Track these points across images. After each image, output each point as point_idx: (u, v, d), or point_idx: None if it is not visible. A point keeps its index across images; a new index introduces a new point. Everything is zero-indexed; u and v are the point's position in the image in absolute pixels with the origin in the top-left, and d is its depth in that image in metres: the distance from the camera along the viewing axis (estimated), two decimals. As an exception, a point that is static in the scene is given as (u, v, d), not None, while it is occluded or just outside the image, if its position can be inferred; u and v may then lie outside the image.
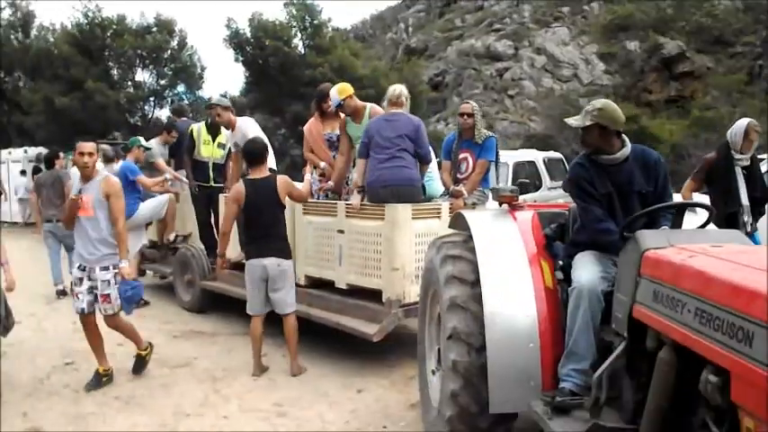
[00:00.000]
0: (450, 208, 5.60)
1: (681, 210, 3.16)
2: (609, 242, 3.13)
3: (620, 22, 28.63)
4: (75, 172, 9.48)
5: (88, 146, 4.99)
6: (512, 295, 3.32)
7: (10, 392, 4.96)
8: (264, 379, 5.31)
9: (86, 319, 5.09)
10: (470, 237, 3.64)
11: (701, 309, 2.10)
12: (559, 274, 3.41)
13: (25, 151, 18.70)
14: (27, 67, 24.04)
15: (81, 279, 5.02)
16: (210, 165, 7.61)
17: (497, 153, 6.50)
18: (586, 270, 3.13)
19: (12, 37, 25.41)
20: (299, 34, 20.61)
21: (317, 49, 19.93)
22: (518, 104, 27.58)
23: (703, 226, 3.19)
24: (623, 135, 3.39)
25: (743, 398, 1.87)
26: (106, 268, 5.00)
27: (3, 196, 13.18)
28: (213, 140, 7.64)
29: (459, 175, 6.38)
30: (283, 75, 19.53)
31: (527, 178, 8.72)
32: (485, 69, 29.67)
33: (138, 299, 5.37)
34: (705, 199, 5.97)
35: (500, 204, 4.01)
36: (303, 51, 20.42)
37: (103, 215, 4.98)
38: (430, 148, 5.87)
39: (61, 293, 8.61)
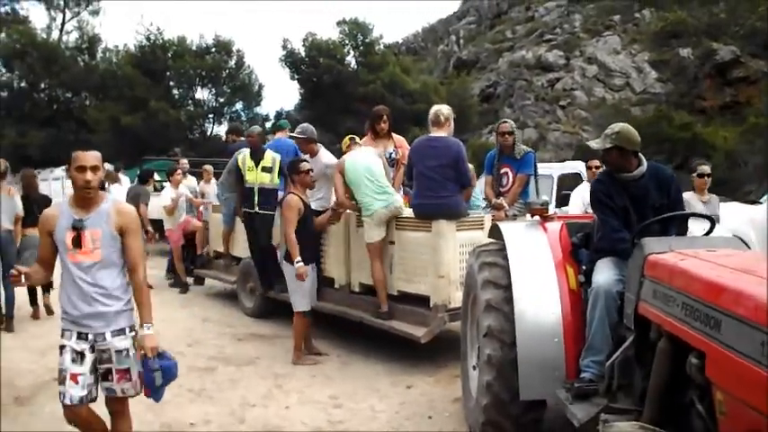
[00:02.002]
0: (492, 219, 6.01)
1: (684, 220, 3.57)
2: (623, 249, 3.53)
3: (671, 28, 28.46)
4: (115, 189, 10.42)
5: (91, 156, 3.36)
6: (539, 296, 3.76)
7: (96, 386, 5.56)
8: (321, 375, 5.82)
9: (81, 410, 3.50)
10: (505, 246, 4.08)
11: (686, 303, 2.50)
12: (582, 278, 3.82)
13: (65, 169, 19.56)
14: (93, 88, 25.32)
15: (81, 353, 3.42)
16: (256, 190, 7.54)
17: (536, 167, 6.91)
18: (604, 273, 3.54)
19: (78, 59, 26.84)
20: (352, 52, 21.34)
21: (369, 66, 20.60)
22: (570, 115, 27.66)
23: (708, 233, 3.57)
24: (640, 154, 3.80)
25: (714, 374, 2.26)
26: (121, 331, 3.49)
27: None
28: (257, 166, 7.59)
29: (500, 189, 6.82)
30: (336, 91, 20.23)
31: (571, 189, 9.03)
32: (536, 80, 29.86)
33: (171, 379, 3.72)
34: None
35: (532, 216, 4.46)
36: (355, 68, 21.08)
37: (116, 256, 3.47)
38: (470, 167, 6.28)
39: None
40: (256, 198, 7.53)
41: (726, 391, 2.19)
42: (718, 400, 2.26)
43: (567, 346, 3.65)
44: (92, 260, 3.38)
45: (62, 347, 3.45)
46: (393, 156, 6.90)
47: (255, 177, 7.56)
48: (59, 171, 19.53)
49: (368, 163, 6.19)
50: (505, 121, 6.99)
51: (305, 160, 6.64)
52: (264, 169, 7.58)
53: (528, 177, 6.78)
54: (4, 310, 7.51)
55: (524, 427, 3.82)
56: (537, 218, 4.41)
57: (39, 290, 8.14)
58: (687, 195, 5.99)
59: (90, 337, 3.43)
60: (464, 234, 5.81)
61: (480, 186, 7.18)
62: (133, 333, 3.55)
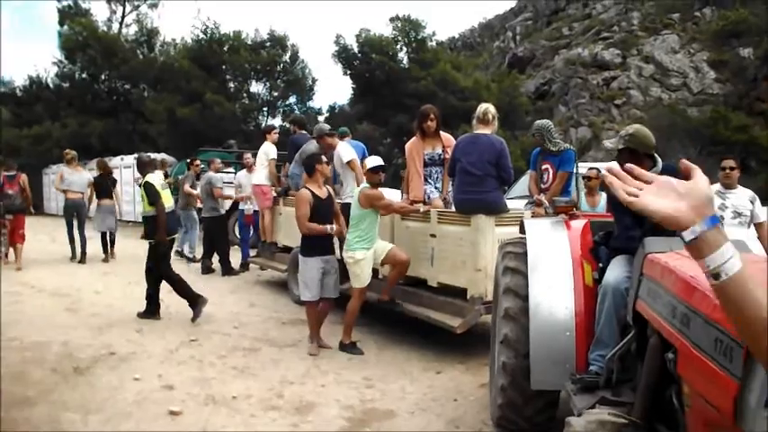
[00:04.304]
0: (532, 215, 6.22)
1: None
2: (635, 248, 3.74)
3: (732, 27, 27.78)
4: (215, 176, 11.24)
5: None
6: (555, 291, 3.99)
7: (147, 359, 6.06)
8: (357, 359, 6.19)
9: None
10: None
11: (669, 301, 2.69)
12: (596, 275, 4.04)
13: (136, 157, 20.39)
14: (151, 80, 26.06)
15: None
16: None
17: (576, 165, 7.10)
18: (615, 271, 3.76)
19: (137, 52, 27.72)
20: (404, 49, 21.60)
21: (421, 62, 20.78)
22: (625, 114, 27.29)
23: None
24: (656, 155, 3.98)
25: (682, 369, 2.45)
26: None
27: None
28: None
29: (542, 185, 7.05)
30: (388, 87, 20.50)
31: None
32: (591, 78, 29.55)
33: None
34: None
35: (557, 214, 4.69)
36: (407, 65, 21.33)
37: None
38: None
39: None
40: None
41: (690, 386, 2.39)
42: (685, 393, 2.46)
43: (578, 340, 3.85)
44: None
45: None
46: (441, 156, 7.02)
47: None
48: (130, 159, 20.40)
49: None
50: (534, 123, 7.32)
51: (323, 154, 7.11)
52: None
53: (568, 175, 6.96)
54: (78, 251, 12.07)
55: (539, 411, 4.08)
56: (562, 215, 4.64)
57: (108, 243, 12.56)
58: (713, 187, 6.04)
59: None
60: (503, 229, 5.98)
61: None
62: None
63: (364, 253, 6.31)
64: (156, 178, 7.78)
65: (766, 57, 24.71)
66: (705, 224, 1.23)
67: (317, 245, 6.40)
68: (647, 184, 1.33)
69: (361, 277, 6.34)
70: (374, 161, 6.49)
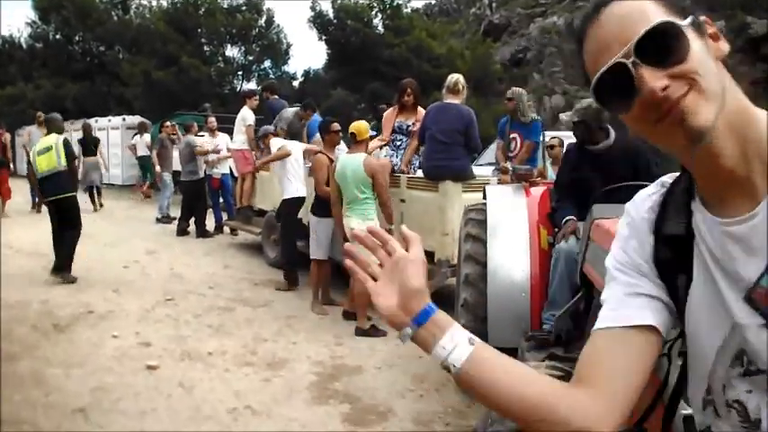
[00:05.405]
0: (498, 182, 6.42)
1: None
2: (552, 217, 4.07)
3: (706, 0, 28.02)
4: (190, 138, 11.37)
5: None
6: (511, 254, 4.27)
7: (125, 318, 6.28)
8: (329, 320, 6.44)
9: None
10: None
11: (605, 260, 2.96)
12: (551, 239, 4.31)
13: (123, 119, 20.49)
14: (126, 42, 25.64)
15: None
16: None
17: (543, 135, 7.36)
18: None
19: (113, 13, 27.28)
20: (379, 15, 21.57)
21: (396, 29, 20.78)
22: (599, 83, 27.52)
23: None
24: (609, 127, 4.22)
25: None
26: None
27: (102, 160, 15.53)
28: None
29: (509, 154, 7.30)
30: (363, 54, 20.50)
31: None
32: (566, 47, 29.69)
33: None
34: None
35: (517, 181, 4.94)
36: (382, 32, 21.34)
37: None
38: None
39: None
40: None
41: None
42: None
43: (533, 301, 4.15)
44: None
45: None
46: (409, 127, 7.14)
47: None
48: (103, 121, 20.73)
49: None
50: (514, 88, 7.44)
51: (336, 121, 7.08)
52: None
53: (535, 144, 7.22)
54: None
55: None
56: (523, 183, 4.89)
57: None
58: None
59: None
60: (470, 195, 6.15)
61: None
62: None
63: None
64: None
65: (739, 29, 24.99)
66: (415, 323, 1.06)
67: (329, 206, 6.47)
68: (387, 264, 1.12)
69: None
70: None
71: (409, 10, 22.55)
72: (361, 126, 6.22)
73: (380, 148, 7.47)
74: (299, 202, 7.54)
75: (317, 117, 9.31)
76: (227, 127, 11.75)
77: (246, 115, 10.23)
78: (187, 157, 11.16)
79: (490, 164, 8.51)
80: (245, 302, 6.96)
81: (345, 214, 6.04)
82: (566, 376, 3.17)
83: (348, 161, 6.00)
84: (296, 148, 7.72)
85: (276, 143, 7.88)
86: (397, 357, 5.37)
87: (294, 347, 5.56)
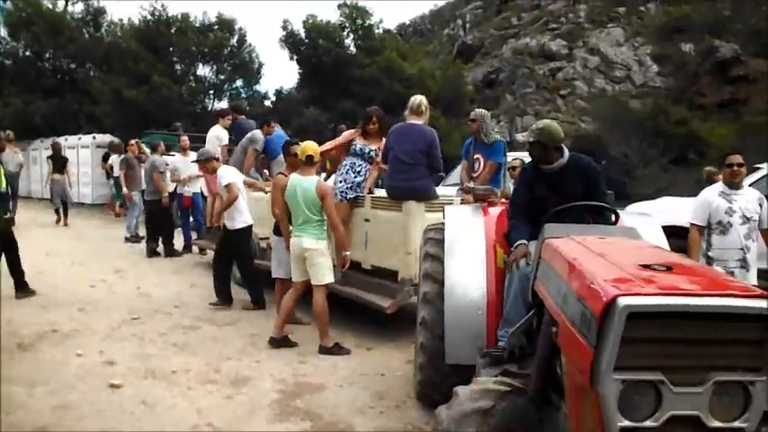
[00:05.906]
0: (461, 202, 6.51)
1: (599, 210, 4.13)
2: (508, 237, 4.18)
3: (675, 23, 28.58)
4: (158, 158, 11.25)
5: None
6: (468, 273, 4.34)
7: (90, 336, 6.29)
8: (292, 337, 6.42)
9: None
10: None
11: (556, 282, 3.02)
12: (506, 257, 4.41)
13: (94, 137, 20.41)
14: (97, 60, 25.54)
15: None
16: None
17: (505, 155, 7.49)
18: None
19: (84, 31, 27.11)
20: (351, 35, 21.80)
21: (367, 50, 21.00)
22: (569, 104, 27.91)
23: (614, 223, 4.12)
24: (563, 147, 4.35)
25: (561, 340, 2.77)
26: None
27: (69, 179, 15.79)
28: None
29: (473, 174, 7.42)
30: (334, 73, 20.68)
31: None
32: (538, 68, 30.14)
33: None
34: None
35: (476, 201, 5.05)
36: (354, 52, 21.53)
37: None
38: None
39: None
40: None
41: (565, 355, 2.75)
42: (563, 362, 2.82)
43: (489, 318, 4.21)
44: None
45: None
46: (370, 153, 7.08)
47: None
48: (73, 139, 20.81)
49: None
50: (476, 109, 7.58)
51: (297, 143, 6.88)
52: None
53: (498, 165, 7.33)
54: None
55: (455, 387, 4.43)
56: (480, 202, 5.00)
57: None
58: (715, 186, 6.07)
59: None
60: (433, 215, 6.21)
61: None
62: None
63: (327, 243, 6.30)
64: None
65: (707, 53, 25.53)
66: None
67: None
68: None
69: (327, 270, 6.20)
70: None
71: (381, 30, 22.77)
72: (310, 147, 6.17)
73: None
74: (247, 230, 7.72)
75: (281, 134, 9.37)
76: (198, 146, 11.72)
77: (221, 134, 10.32)
78: (151, 177, 11.16)
79: (455, 184, 8.63)
80: (211, 321, 7.01)
81: (295, 234, 6.10)
82: (515, 391, 3.30)
83: (299, 181, 6.07)
84: (238, 180, 7.80)
85: (221, 173, 7.72)
86: (359, 375, 5.44)
87: (257, 365, 5.62)
